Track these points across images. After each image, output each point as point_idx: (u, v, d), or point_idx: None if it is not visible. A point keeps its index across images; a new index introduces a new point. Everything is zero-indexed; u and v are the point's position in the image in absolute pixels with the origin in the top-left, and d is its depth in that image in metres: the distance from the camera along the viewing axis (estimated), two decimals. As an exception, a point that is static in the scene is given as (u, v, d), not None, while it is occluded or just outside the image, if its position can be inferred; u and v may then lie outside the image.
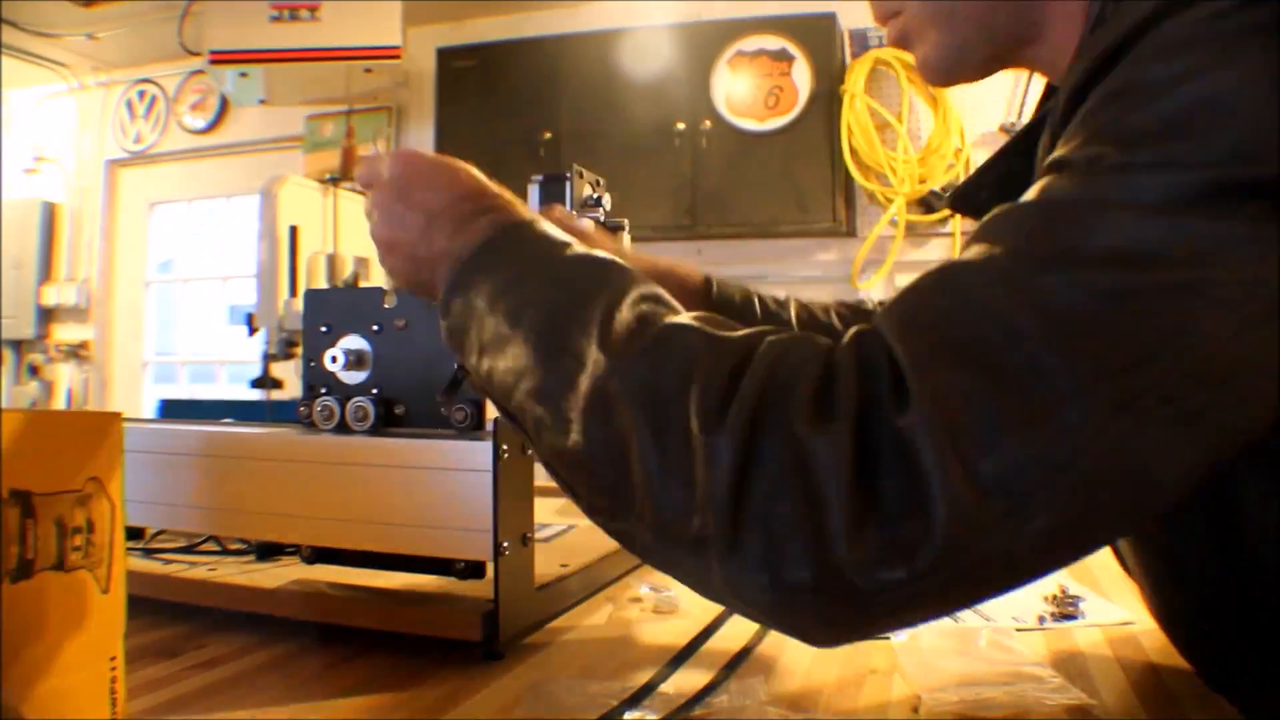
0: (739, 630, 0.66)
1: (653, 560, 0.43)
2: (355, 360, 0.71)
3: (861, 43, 3.02)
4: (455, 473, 0.63)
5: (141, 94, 4.20)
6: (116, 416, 0.45)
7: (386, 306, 0.71)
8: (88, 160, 4.32)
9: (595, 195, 0.89)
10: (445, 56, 3.46)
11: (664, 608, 0.73)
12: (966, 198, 0.63)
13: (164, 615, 0.68)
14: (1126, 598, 0.73)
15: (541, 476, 0.76)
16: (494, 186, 0.56)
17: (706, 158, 3.12)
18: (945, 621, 0.70)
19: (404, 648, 0.62)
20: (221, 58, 3.14)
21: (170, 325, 4.48)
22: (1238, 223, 0.35)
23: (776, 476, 0.36)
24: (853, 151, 2.94)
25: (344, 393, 0.71)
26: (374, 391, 0.70)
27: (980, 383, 0.35)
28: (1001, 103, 2.91)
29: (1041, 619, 0.70)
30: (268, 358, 2.78)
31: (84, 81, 4.24)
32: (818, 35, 3.00)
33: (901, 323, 0.38)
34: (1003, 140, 3.33)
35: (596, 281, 0.47)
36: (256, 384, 2.87)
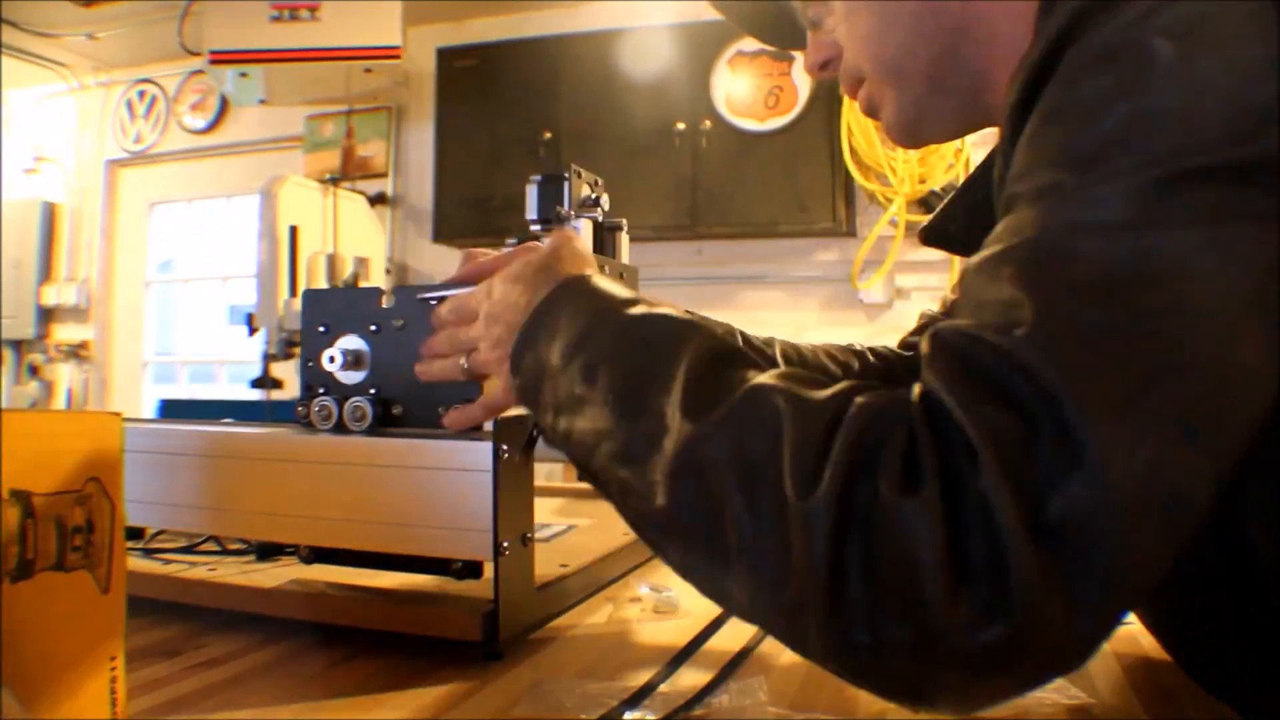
0: (739, 630, 0.66)
1: (750, 619, 0.43)
2: (353, 360, 0.70)
3: (861, 43, 3.02)
4: (455, 473, 0.63)
5: (141, 94, 4.21)
6: (116, 416, 0.45)
7: (384, 306, 0.71)
8: (88, 160, 4.33)
9: (593, 195, 0.89)
10: (445, 56, 3.47)
11: (664, 608, 0.73)
12: (937, 230, 0.65)
13: (164, 615, 0.68)
14: (1126, 598, 0.73)
15: (542, 477, 0.76)
16: (578, 253, 0.58)
17: (706, 158, 3.12)
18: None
19: (404, 648, 0.62)
20: (221, 58, 3.14)
21: (170, 325, 4.49)
22: (1198, 229, 0.37)
23: (873, 542, 0.36)
24: (853, 151, 2.94)
25: (342, 393, 0.71)
26: (372, 392, 0.70)
27: (1022, 432, 0.35)
28: (1001, 103, 2.91)
29: (1041, 619, 0.70)
30: (268, 358, 2.79)
31: (84, 81, 4.24)
32: (818, 35, 3.00)
33: (946, 380, 0.38)
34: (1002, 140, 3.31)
35: (673, 339, 0.47)
36: (256, 384, 2.88)
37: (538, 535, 0.67)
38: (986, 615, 0.34)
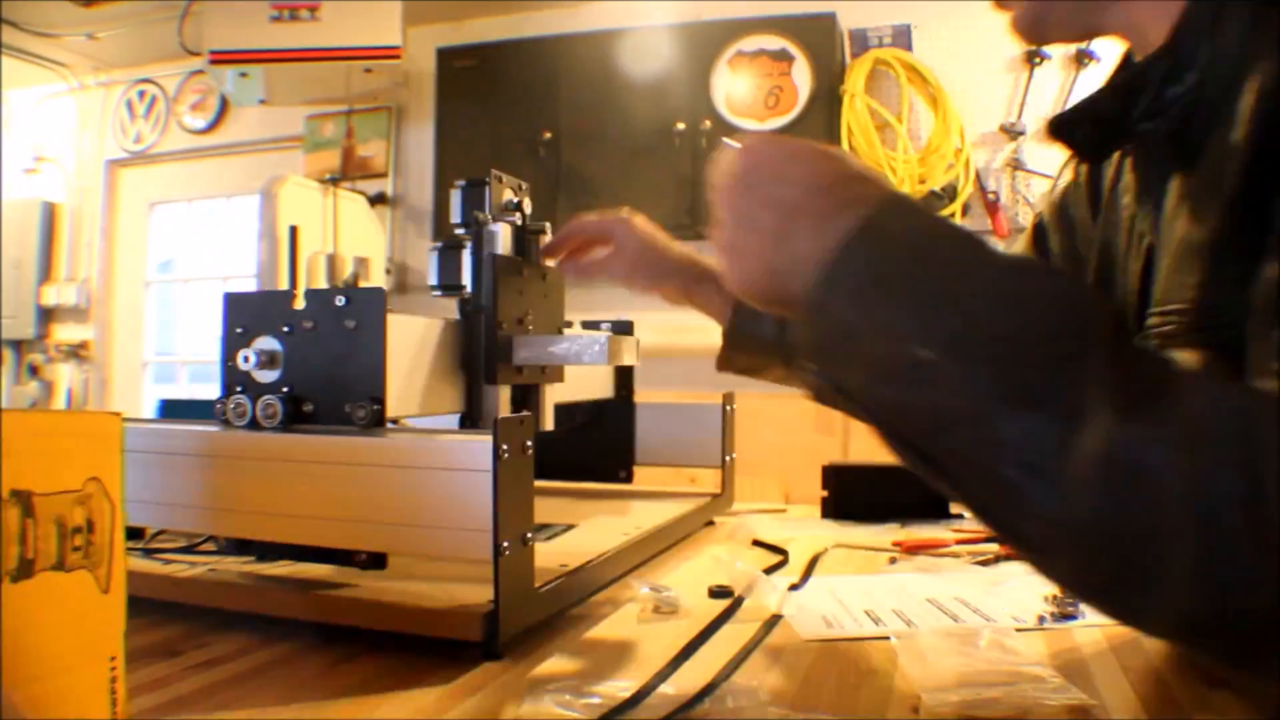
0: (739, 630, 0.66)
1: (1167, 638, 0.41)
2: (268, 360, 0.73)
3: (861, 43, 3.02)
4: (455, 473, 0.63)
5: (141, 94, 4.20)
6: (116, 416, 0.45)
7: (296, 308, 0.73)
8: (88, 160, 4.32)
9: (515, 200, 0.90)
10: (445, 56, 3.47)
11: (664, 608, 0.73)
12: (1064, 127, 0.62)
13: (164, 615, 0.68)
14: (1126, 598, 0.73)
15: (542, 477, 0.75)
16: (860, 168, 0.48)
17: (706, 158, 3.12)
18: (945, 621, 0.70)
19: (404, 648, 0.62)
20: (221, 58, 3.14)
21: (170, 325, 4.48)
22: None
23: None
24: (852, 151, 2.94)
25: (258, 391, 0.73)
26: (285, 390, 0.73)
27: None
28: (1001, 103, 2.91)
29: (1041, 619, 0.70)
30: (268, 358, 2.78)
31: (84, 81, 4.24)
32: (818, 35, 2.99)
33: None
34: (1003, 140, 3.27)
35: (1067, 308, 0.39)
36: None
37: (538, 535, 0.67)
38: None
